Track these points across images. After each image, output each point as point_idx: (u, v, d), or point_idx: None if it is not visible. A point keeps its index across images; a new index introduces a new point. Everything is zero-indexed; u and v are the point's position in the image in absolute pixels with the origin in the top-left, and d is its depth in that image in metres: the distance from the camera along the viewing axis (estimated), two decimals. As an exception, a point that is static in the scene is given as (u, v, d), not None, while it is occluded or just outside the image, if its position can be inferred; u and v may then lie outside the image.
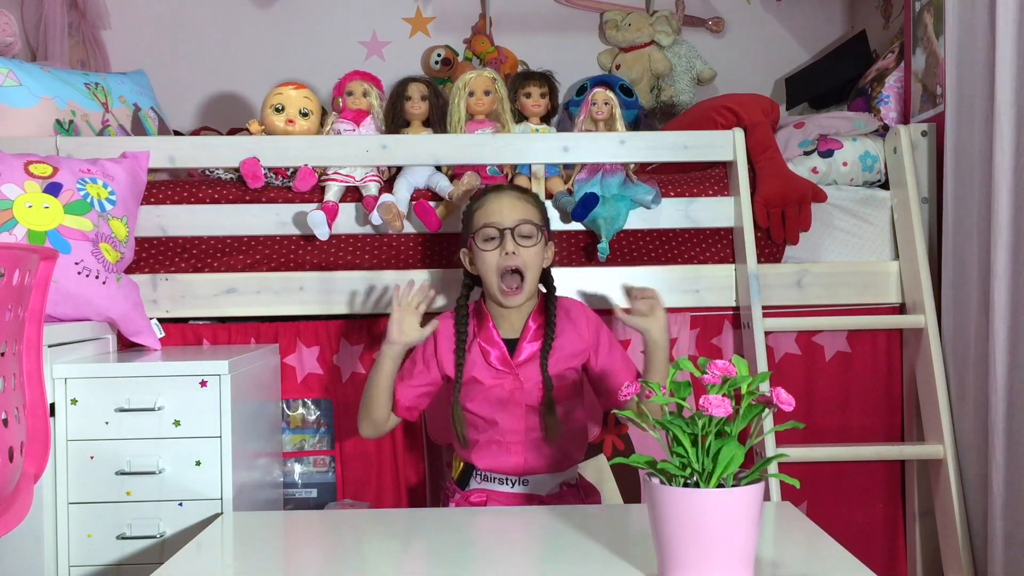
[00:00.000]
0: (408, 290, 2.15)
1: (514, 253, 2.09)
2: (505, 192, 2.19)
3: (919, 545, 2.58)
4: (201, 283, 2.51)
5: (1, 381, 1.48)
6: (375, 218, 2.46)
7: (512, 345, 2.16)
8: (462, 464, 2.20)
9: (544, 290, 2.23)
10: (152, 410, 2.02)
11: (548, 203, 2.55)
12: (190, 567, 1.64)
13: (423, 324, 2.15)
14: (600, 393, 2.23)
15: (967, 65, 2.37)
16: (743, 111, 2.70)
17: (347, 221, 2.53)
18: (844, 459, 2.55)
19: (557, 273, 2.50)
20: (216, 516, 2.00)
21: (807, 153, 2.71)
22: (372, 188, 2.52)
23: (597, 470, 2.36)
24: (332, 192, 2.50)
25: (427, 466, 2.59)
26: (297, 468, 2.60)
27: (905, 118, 2.89)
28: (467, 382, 2.14)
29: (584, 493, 2.22)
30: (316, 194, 2.53)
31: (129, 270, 2.42)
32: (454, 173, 2.57)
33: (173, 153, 2.52)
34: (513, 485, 2.15)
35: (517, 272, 2.11)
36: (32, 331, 1.62)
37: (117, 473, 2.02)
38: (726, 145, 2.59)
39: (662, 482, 1.42)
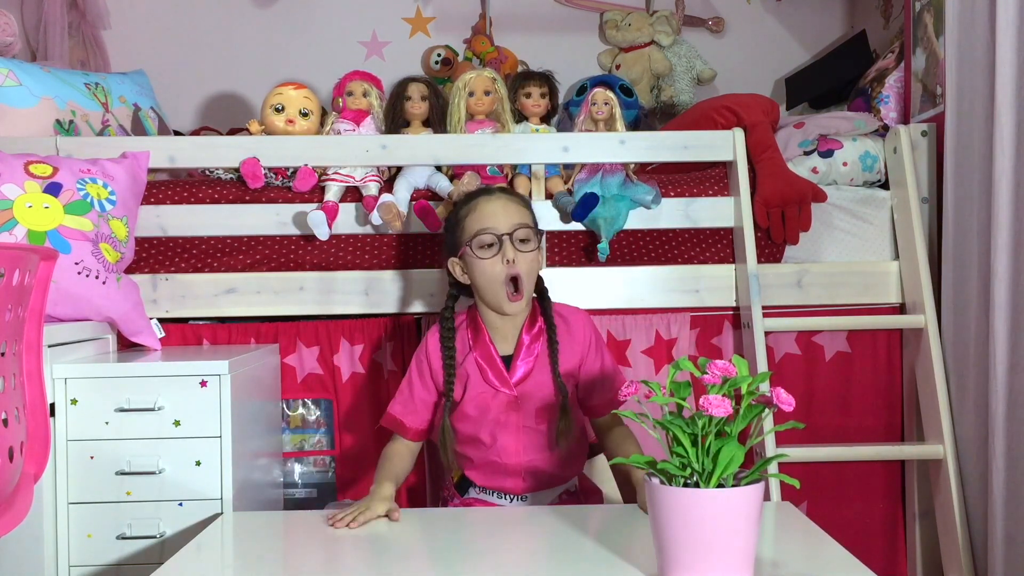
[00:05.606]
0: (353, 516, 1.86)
1: (513, 261, 1.99)
2: (496, 195, 2.07)
3: (919, 545, 2.58)
4: (201, 283, 2.51)
5: (1, 381, 1.48)
6: (375, 218, 2.46)
7: (507, 362, 2.06)
8: (462, 472, 2.14)
9: (536, 296, 2.12)
10: (152, 410, 2.02)
11: (548, 203, 2.55)
12: (190, 567, 1.64)
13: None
14: (581, 400, 2.14)
15: (967, 65, 2.37)
16: (743, 111, 2.70)
17: (347, 221, 2.53)
18: (844, 459, 2.55)
19: (558, 273, 2.50)
20: (216, 516, 2.00)
21: (807, 153, 2.70)
22: (372, 188, 2.52)
23: (597, 470, 2.35)
24: (332, 192, 2.50)
25: (427, 466, 2.59)
26: (297, 468, 2.60)
27: (905, 118, 2.89)
28: (465, 401, 2.05)
29: (584, 496, 2.17)
30: (316, 194, 2.53)
31: (129, 270, 2.42)
32: (454, 173, 2.57)
33: (173, 153, 2.52)
34: (512, 500, 2.09)
35: (515, 279, 2.00)
36: (32, 331, 1.62)
37: (117, 473, 2.02)
38: (726, 145, 2.59)
39: (662, 482, 1.42)
